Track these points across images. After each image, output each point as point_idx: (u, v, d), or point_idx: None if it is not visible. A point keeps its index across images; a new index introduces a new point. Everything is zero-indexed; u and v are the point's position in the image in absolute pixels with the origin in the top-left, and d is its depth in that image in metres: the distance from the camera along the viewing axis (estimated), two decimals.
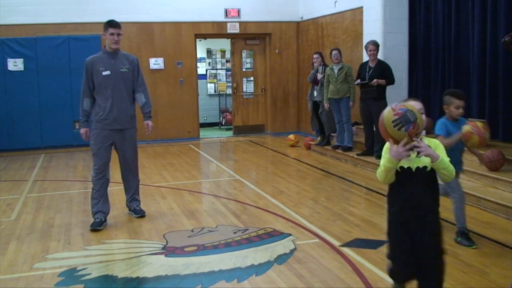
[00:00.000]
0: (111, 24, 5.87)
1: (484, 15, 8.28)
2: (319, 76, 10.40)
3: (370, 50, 8.84)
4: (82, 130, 5.94)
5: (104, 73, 5.83)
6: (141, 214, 6.27)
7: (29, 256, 5.07)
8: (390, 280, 3.62)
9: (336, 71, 9.71)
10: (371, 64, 8.88)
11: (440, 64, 9.39)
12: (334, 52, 9.86)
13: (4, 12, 11.58)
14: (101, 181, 6.03)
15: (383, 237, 5.37)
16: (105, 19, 11.91)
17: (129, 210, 6.41)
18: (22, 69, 11.57)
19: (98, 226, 5.81)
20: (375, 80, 8.66)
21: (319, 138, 11.04)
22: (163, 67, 12.78)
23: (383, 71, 8.75)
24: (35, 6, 11.73)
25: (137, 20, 12.46)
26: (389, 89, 8.99)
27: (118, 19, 12.07)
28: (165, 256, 4.98)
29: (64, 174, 9.24)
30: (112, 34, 5.84)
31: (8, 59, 11.57)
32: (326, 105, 9.95)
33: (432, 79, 9.63)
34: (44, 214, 6.56)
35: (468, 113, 8.52)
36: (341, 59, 9.84)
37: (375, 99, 8.72)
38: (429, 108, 9.74)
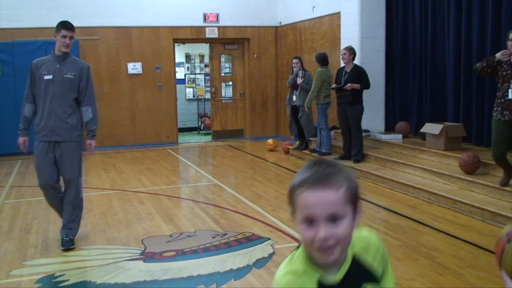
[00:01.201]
0: (65, 25, 5.32)
1: (459, 20, 8.42)
2: (299, 80, 10.46)
3: (342, 55, 8.97)
4: (20, 139, 5.32)
5: (46, 77, 5.23)
6: (67, 247, 5.31)
7: (6, 263, 5.01)
8: None
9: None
10: (347, 69, 8.96)
11: (417, 69, 9.51)
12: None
13: None
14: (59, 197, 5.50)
15: None
16: (83, 23, 12.05)
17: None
18: None
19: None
20: (349, 85, 8.73)
21: (297, 143, 11.09)
22: (141, 72, 12.73)
23: (358, 75, 8.84)
24: (12, 11, 11.61)
25: (115, 25, 12.40)
26: (367, 93, 9.09)
27: (96, 23, 12.28)
28: (144, 261, 4.96)
29: None
30: (64, 36, 5.27)
31: None
32: (306, 109, 10.03)
33: (409, 84, 9.75)
34: (21, 221, 6.49)
35: (443, 117, 8.71)
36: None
37: (350, 103, 8.80)
38: (407, 113, 9.87)
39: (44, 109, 5.26)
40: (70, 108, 5.36)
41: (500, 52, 6.00)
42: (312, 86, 9.77)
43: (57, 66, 5.29)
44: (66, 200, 5.43)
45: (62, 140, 5.32)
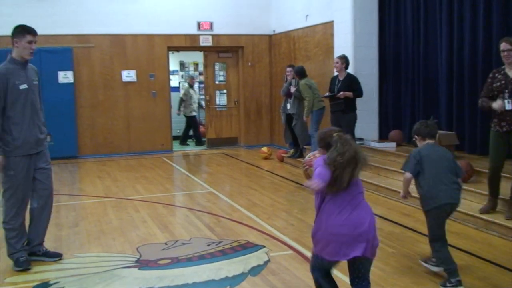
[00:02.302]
0: (30, 30, 4.98)
1: (451, 28, 8.52)
2: (292, 89, 10.51)
3: (335, 63, 9.08)
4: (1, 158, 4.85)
5: (21, 87, 4.87)
6: (59, 257, 5.30)
7: (0, 270, 5.00)
8: None
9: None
10: (340, 77, 9.03)
11: (410, 77, 9.59)
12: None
13: None
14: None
15: None
16: (77, 31, 12.08)
17: (37, 255, 5.25)
18: None
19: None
20: (341, 93, 8.79)
21: (292, 151, 11.12)
22: (135, 80, 12.74)
23: (351, 84, 8.90)
24: (5, 18, 11.58)
25: (109, 32, 12.42)
26: (360, 102, 9.15)
27: (90, 31, 12.31)
28: (139, 269, 4.97)
29: None
30: (30, 42, 4.93)
31: None
32: (305, 118, 10.09)
33: (402, 92, 9.83)
34: None
35: (437, 125, 8.74)
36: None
37: (343, 111, 8.86)
38: (400, 120, 9.92)
39: (23, 121, 4.89)
40: (41, 115, 5.16)
41: (496, 104, 5.85)
42: (306, 97, 9.83)
43: (24, 74, 4.96)
44: (44, 216, 5.24)
45: (42, 150, 5.11)
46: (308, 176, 3.82)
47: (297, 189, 8.53)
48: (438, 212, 4.45)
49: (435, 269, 4.64)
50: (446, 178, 4.44)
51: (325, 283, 3.67)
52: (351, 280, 3.66)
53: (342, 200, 3.44)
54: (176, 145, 13.80)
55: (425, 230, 6.02)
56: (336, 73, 9.24)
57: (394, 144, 9.43)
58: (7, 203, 4.98)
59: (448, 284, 4.32)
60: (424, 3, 9.13)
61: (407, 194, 4.73)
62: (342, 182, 3.36)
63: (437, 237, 4.48)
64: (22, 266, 5.00)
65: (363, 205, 3.50)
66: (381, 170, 8.58)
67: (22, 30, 4.96)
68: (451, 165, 4.52)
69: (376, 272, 4.71)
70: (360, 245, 3.39)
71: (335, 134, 3.49)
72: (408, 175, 4.53)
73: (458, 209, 6.34)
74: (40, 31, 5.50)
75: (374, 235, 3.48)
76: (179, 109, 14.30)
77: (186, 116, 14.39)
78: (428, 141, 4.65)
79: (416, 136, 4.75)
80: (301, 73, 10.13)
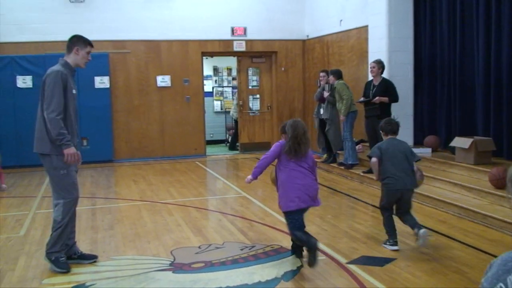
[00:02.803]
0: (90, 42, 5.26)
1: (488, 33, 8.36)
2: (326, 94, 10.47)
3: (371, 68, 8.98)
4: (72, 150, 5.01)
5: (74, 91, 5.11)
6: (95, 259, 5.41)
7: (38, 271, 5.11)
8: None
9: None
10: (375, 82, 8.96)
11: (446, 82, 9.46)
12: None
13: (14, 29, 11.77)
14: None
15: (390, 254, 5.40)
16: (113, 37, 12.29)
17: (73, 258, 5.35)
18: (31, 86, 11.67)
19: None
20: (377, 98, 8.73)
21: (325, 156, 11.07)
22: (170, 85, 12.89)
23: (386, 88, 8.82)
24: (43, 24, 11.91)
25: (144, 38, 12.61)
26: (395, 107, 9.05)
27: (125, 37, 12.51)
28: (173, 272, 5.01)
29: None
30: (88, 53, 5.23)
31: (17, 76, 11.70)
32: (342, 117, 10.02)
33: (438, 97, 9.69)
34: None
35: (473, 131, 8.62)
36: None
37: (378, 116, 8.77)
38: (436, 126, 9.79)
39: (71, 124, 5.07)
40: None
41: None
42: (344, 96, 9.74)
43: (73, 81, 5.19)
44: (75, 215, 5.38)
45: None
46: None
47: (330, 194, 8.49)
48: (391, 193, 5.58)
49: (390, 248, 5.56)
50: (401, 166, 5.55)
51: (304, 235, 4.98)
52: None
53: (300, 170, 5.09)
54: (209, 150, 13.86)
55: (459, 236, 5.96)
56: (370, 78, 9.18)
57: (429, 150, 9.31)
58: (65, 202, 5.10)
59: (387, 243, 5.60)
60: (460, 7, 9.00)
61: (379, 177, 5.71)
62: (298, 153, 5.05)
63: (385, 209, 5.70)
64: (64, 268, 5.11)
65: (312, 175, 5.13)
66: None
67: (85, 41, 5.22)
68: (407, 156, 5.61)
69: (409, 278, 4.67)
70: (310, 200, 5.07)
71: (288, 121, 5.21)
72: (374, 159, 5.67)
73: (496, 216, 6.27)
74: None
75: (316, 195, 5.14)
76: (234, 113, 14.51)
77: (235, 121, 14.48)
78: (390, 136, 5.81)
79: (381, 132, 5.94)
80: (338, 74, 10.07)
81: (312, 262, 4.80)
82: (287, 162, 5.13)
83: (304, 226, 5.09)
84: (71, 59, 5.19)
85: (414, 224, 5.50)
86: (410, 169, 5.59)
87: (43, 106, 4.99)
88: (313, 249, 4.81)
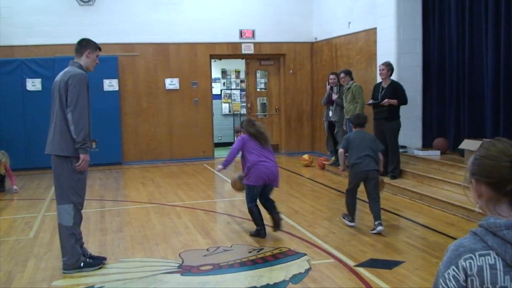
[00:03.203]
0: (99, 46, 5.34)
1: (497, 34, 8.32)
2: (334, 96, 10.46)
3: (380, 70, 8.95)
4: (88, 157, 5.11)
5: (89, 93, 5.20)
6: (100, 264, 5.33)
7: (47, 273, 5.14)
8: None
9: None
10: (384, 84, 8.93)
11: (455, 84, 9.41)
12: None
13: (23, 33, 11.84)
14: None
15: (398, 257, 5.38)
16: (122, 40, 12.33)
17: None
18: (40, 89, 11.74)
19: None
20: (386, 100, 8.70)
21: (333, 158, 11.06)
22: (178, 87, 12.92)
23: (395, 91, 8.79)
24: (53, 27, 11.97)
25: (153, 41, 12.65)
26: (404, 109, 9.03)
27: (134, 40, 12.55)
28: (181, 274, 5.02)
29: None
30: (97, 56, 5.31)
31: (27, 79, 11.77)
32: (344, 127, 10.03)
33: (447, 99, 9.65)
34: None
35: (482, 133, 8.58)
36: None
37: (386, 119, 8.76)
38: (445, 129, 9.75)
39: (90, 129, 5.17)
40: None
41: None
42: (359, 101, 9.69)
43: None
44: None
45: None
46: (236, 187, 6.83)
47: (338, 197, 8.47)
48: (357, 175, 6.44)
49: (348, 223, 6.58)
50: (365, 152, 6.35)
51: (256, 209, 6.26)
52: (262, 198, 6.35)
53: (265, 153, 6.27)
54: (217, 152, 13.86)
55: None
56: (379, 80, 9.16)
57: (438, 152, 9.26)
58: (76, 207, 5.12)
59: (346, 218, 6.65)
60: (469, 8, 8.95)
61: (344, 167, 6.78)
62: (263, 140, 6.35)
63: (350, 189, 6.59)
64: (97, 263, 5.21)
65: (273, 159, 6.36)
66: (424, 178, 8.45)
67: (95, 45, 5.27)
68: (371, 145, 6.45)
69: (418, 281, 4.65)
70: (271, 179, 6.22)
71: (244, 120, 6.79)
72: (341, 150, 6.68)
73: None
74: None
75: (277, 176, 6.32)
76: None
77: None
78: (357, 128, 6.67)
79: (351, 124, 7.08)
80: (351, 75, 10.11)
81: (277, 223, 6.23)
82: (253, 148, 6.29)
83: (256, 200, 6.35)
84: (83, 61, 5.21)
85: (377, 217, 6.27)
86: (375, 156, 6.42)
87: (66, 107, 4.98)
88: (265, 217, 6.32)
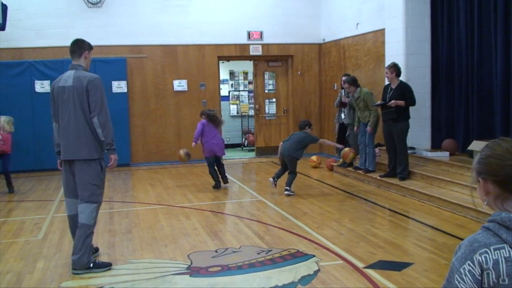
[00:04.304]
0: (92, 47, 5.42)
1: (506, 35, 8.28)
2: (346, 99, 10.41)
3: (385, 73, 8.93)
4: (117, 156, 5.40)
5: None
6: (109, 266, 5.32)
7: (56, 274, 5.16)
8: None
9: (355, 98, 9.75)
10: (392, 86, 8.89)
11: (464, 85, 9.37)
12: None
13: (32, 35, 11.91)
14: None
15: (407, 259, 5.36)
16: (130, 42, 12.38)
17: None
18: (49, 91, 11.74)
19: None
20: (392, 101, 8.65)
21: (341, 160, 11.03)
22: (186, 89, 12.94)
23: (403, 92, 8.75)
24: (61, 29, 12.02)
25: (161, 43, 12.68)
26: (412, 110, 8.99)
27: (142, 41, 12.62)
28: (190, 276, 5.02)
29: None
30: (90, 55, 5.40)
31: (36, 81, 11.84)
32: (355, 129, 9.91)
33: (456, 100, 9.61)
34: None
35: (491, 134, 8.53)
36: (349, 91, 9.97)
37: (394, 120, 8.72)
38: (454, 130, 9.71)
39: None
40: None
41: None
42: (373, 108, 9.46)
43: None
44: None
45: None
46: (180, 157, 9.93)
47: (346, 198, 8.45)
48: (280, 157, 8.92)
49: (272, 185, 9.03)
50: (292, 147, 8.69)
51: (213, 171, 9.45)
52: (217, 166, 9.54)
53: (214, 134, 9.39)
54: (226, 153, 13.83)
55: None
56: (388, 82, 9.13)
57: (447, 154, 9.22)
58: (97, 205, 5.24)
59: (288, 189, 8.79)
60: (478, 9, 8.91)
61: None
62: (217, 123, 9.49)
63: (279, 171, 9.20)
64: (107, 264, 5.26)
65: (219, 137, 9.71)
66: (434, 180, 8.41)
67: (89, 45, 5.34)
68: (300, 140, 8.79)
69: (427, 283, 4.63)
70: (218, 150, 9.42)
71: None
72: (281, 143, 8.99)
73: None
74: (94, 41, 5.72)
75: (223, 148, 9.61)
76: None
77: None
78: (302, 130, 8.99)
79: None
80: (356, 82, 9.85)
81: (224, 181, 9.70)
82: (209, 130, 9.34)
83: (214, 165, 9.50)
84: (83, 63, 5.27)
85: (287, 183, 8.80)
86: (296, 147, 8.74)
87: (90, 112, 5.04)
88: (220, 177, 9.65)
